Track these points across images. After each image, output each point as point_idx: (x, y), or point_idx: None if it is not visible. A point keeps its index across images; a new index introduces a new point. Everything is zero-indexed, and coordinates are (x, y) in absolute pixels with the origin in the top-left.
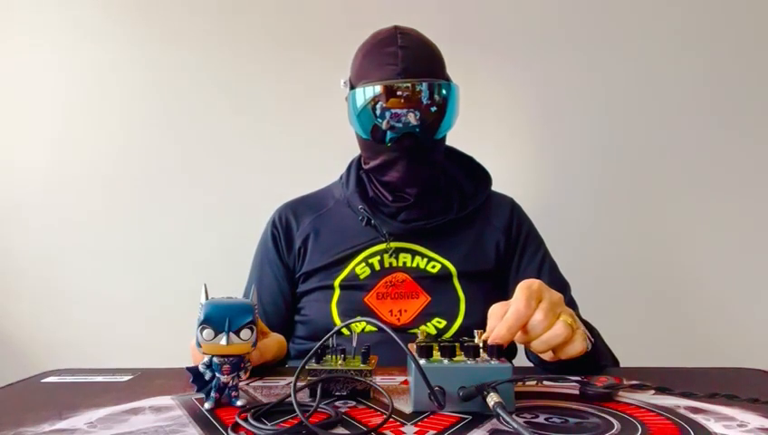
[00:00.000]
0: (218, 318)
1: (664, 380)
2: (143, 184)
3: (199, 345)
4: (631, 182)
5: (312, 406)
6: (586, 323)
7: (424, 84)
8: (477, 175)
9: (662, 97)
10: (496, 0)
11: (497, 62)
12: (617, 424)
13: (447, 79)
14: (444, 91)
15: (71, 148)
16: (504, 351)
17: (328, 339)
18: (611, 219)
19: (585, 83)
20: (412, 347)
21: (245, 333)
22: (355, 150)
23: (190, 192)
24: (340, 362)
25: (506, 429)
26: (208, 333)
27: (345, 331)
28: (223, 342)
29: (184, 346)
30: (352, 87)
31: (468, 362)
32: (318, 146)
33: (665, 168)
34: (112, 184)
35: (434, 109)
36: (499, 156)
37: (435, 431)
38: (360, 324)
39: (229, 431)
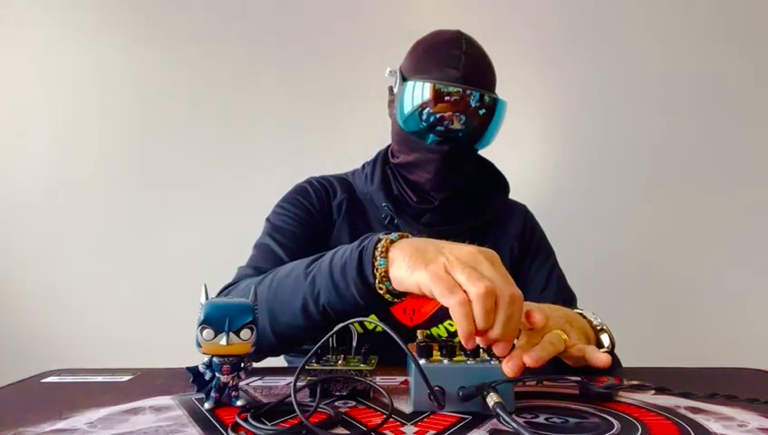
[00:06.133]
0: (218, 318)
1: (664, 380)
2: (143, 184)
3: (199, 345)
4: (632, 184)
5: (312, 406)
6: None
7: (478, 94)
8: (496, 181)
9: (665, 99)
10: (504, 1)
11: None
12: (617, 424)
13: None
14: (495, 105)
15: (71, 149)
16: None
17: (328, 339)
18: (611, 220)
19: (592, 84)
20: (412, 347)
21: (245, 333)
22: (357, 153)
23: (190, 192)
24: (340, 362)
25: (506, 429)
26: (208, 333)
27: (357, 327)
28: (223, 342)
29: (184, 346)
30: (404, 79)
31: (468, 362)
32: (319, 147)
33: (664, 169)
34: (113, 184)
35: (482, 120)
36: (501, 157)
37: (435, 431)
38: (368, 323)
39: (229, 431)
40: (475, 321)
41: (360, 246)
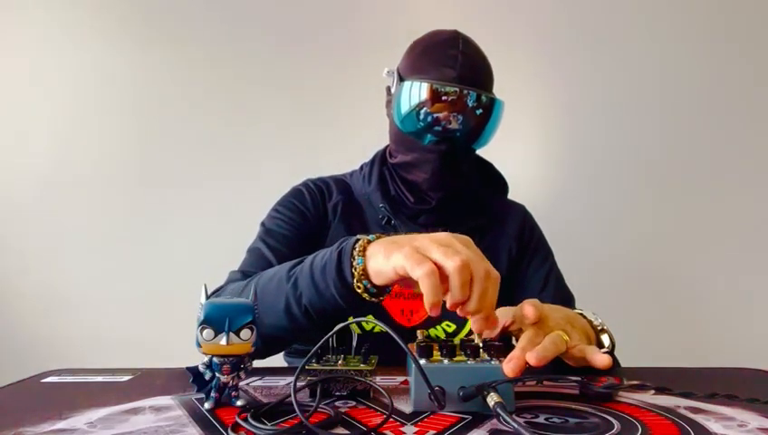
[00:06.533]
0: (218, 318)
1: (664, 380)
2: (143, 184)
3: (199, 345)
4: (632, 184)
5: (312, 406)
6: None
7: (475, 94)
8: (494, 182)
9: (665, 99)
10: (504, 1)
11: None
12: (617, 424)
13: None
14: (492, 105)
15: (71, 148)
16: (505, 350)
17: (327, 339)
18: (611, 220)
19: (592, 84)
20: (412, 347)
21: (245, 333)
22: (356, 153)
23: (190, 192)
24: (340, 362)
25: (506, 429)
26: (208, 333)
27: (356, 328)
28: (223, 342)
29: (184, 346)
30: (401, 79)
31: (468, 362)
32: (318, 147)
33: (664, 169)
34: (113, 184)
35: (479, 120)
36: (500, 157)
37: (435, 431)
38: (366, 324)
39: (229, 431)
40: (448, 294)
41: (339, 247)
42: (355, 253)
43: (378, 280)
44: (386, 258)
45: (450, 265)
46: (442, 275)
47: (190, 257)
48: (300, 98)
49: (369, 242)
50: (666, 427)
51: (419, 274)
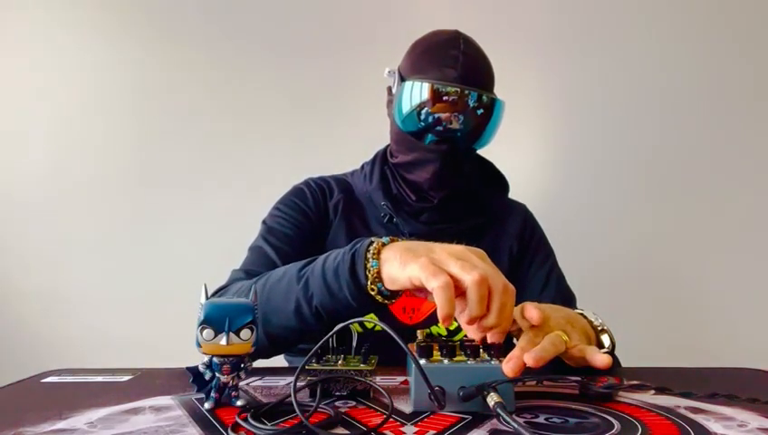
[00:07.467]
0: (218, 318)
1: (664, 380)
2: (144, 184)
3: (199, 345)
4: (632, 184)
5: (312, 406)
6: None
7: (476, 94)
8: (495, 181)
9: (665, 99)
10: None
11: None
12: (617, 424)
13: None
14: (493, 105)
15: (71, 148)
16: (505, 350)
17: (327, 339)
18: (612, 220)
19: (592, 84)
20: (412, 347)
21: (245, 333)
22: (357, 153)
23: (191, 193)
24: (340, 362)
25: (506, 429)
26: (208, 333)
27: (356, 327)
28: (223, 342)
29: (184, 346)
30: (402, 79)
31: (468, 362)
32: (319, 147)
33: (664, 169)
34: (113, 185)
35: (480, 120)
36: (501, 157)
37: (435, 431)
38: (367, 323)
39: (229, 431)
40: (466, 306)
41: (353, 249)
42: (369, 255)
43: (391, 286)
44: (401, 266)
45: (468, 278)
46: (457, 290)
47: (190, 257)
48: (300, 98)
49: (384, 245)
50: (666, 427)
51: (435, 286)
